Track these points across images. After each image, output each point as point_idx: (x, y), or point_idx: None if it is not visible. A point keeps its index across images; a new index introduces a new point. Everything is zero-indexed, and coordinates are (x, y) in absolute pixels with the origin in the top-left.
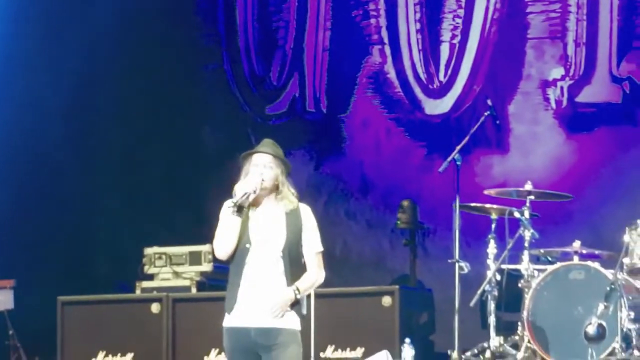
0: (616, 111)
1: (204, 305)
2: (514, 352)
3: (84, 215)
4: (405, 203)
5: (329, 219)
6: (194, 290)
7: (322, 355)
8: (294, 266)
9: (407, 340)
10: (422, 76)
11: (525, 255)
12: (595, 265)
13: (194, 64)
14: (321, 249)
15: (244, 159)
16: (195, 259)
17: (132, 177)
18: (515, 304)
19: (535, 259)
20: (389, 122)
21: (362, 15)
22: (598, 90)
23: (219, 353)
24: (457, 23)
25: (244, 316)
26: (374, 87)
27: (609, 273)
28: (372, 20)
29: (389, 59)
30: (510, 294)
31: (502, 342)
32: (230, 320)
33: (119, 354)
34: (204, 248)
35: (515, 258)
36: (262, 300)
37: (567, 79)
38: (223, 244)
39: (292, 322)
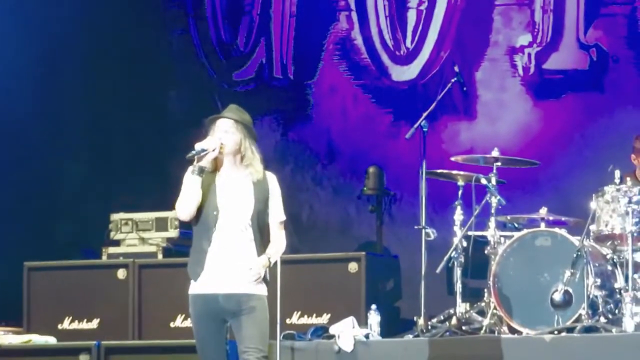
0: (583, 78)
1: (170, 272)
2: (480, 318)
3: (49, 181)
4: (372, 169)
5: (296, 185)
6: (160, 256)
7: (288, 321)
8: (262, 234)
9: (373, 306)
10: (389, 43)
11: (492, 222)
12: (562, 232)
13: (159, 30)
14: (284, 217)
15: (209, 124)
16: (161, 225)
17: (98, 143)
18: (481, 271)
19: (501, 226)
20: (355, 88)
21: None
22: (565, 57)
23: (185, 319)
24: None
25: (212, 282)
26: (341, 53)
27: (575, 240)
28: None
29: (356, 26)
30: (477, 260)
31: (468, 308)
32: (197, 287)
33: (85, 320)
34: (170, 214)
35: (481, 225)
36: (231, 266)
37: (535, 45)
38: (184, 203)
39: (259, 287)
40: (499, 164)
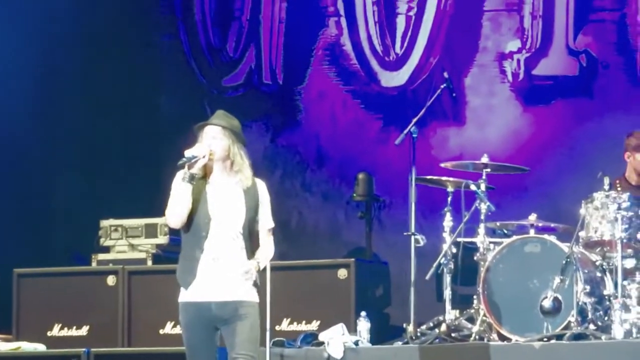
0: (573, 84)
1: (159, 278)
2: (469, 325)
3: (40, 187)
4: (361, 176)
5: (285, 191)
6: (149, 262)
7: (277, 328)
8: (252, 241)
9: (363, 313)
10: (378, 48)
11: (481, 228)
12: (551, 238)
13: (149, 34)
14: (273, 225)
15: (197, 131)
16: (151, 231)
17: (88, 149)
18: (471, 277)
19: (491, 232)
20: (345, 94)
21: None
22: (555, 63)
23: (175, 326)
24: None
25: (204, 290)
26: (330, 59)
27: (564, 246)
28: None
29: (345, 31)
30: (466, 267)
31: (457, 315)
32: (188, 295)
33: (74, 327)
34: (160, 220)
35: (471, 231)
36: (223, 274)
37: (524, 51)
38: (175, 211)
39: (252, 294)
40: (488, 170)
